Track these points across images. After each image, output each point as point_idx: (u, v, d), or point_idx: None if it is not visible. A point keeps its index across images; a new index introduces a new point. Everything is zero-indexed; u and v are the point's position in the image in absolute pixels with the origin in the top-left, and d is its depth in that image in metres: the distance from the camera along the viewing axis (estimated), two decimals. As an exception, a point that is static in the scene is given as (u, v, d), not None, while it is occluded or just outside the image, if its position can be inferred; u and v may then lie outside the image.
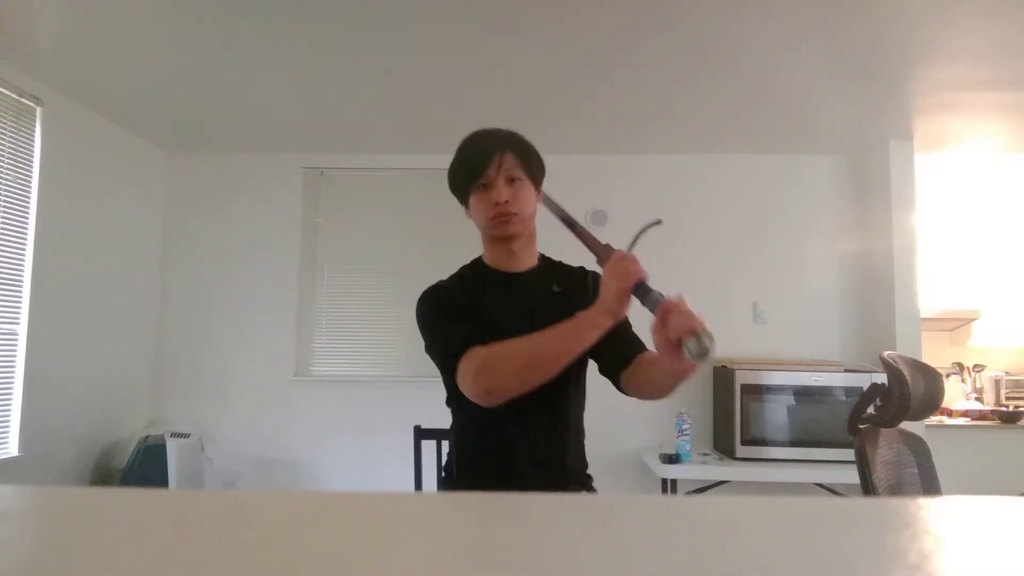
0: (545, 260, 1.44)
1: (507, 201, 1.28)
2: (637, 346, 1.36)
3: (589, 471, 1.45)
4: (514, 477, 1.31)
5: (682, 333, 1.05)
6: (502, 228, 1.31)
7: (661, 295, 1.11)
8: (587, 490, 1.44)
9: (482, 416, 1.26)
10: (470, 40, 2.52)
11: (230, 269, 3.83)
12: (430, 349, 1.34)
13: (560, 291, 1.37)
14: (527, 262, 1.39)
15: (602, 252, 1.21)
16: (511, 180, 1.29)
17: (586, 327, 1.14)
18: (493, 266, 1.39)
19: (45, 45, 2.60)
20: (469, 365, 1.20)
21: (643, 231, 1.23)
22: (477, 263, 1.44)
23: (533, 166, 1.33)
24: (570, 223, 1.25)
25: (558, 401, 1.34)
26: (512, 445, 1.32)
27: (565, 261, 1.47)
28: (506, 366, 1.18)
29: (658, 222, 1.19)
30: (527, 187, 1.31)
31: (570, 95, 3.01)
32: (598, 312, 1.14)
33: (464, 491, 1.36)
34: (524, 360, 1.17)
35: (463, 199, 1.36)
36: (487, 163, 1.28)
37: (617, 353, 1.33)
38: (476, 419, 1.32)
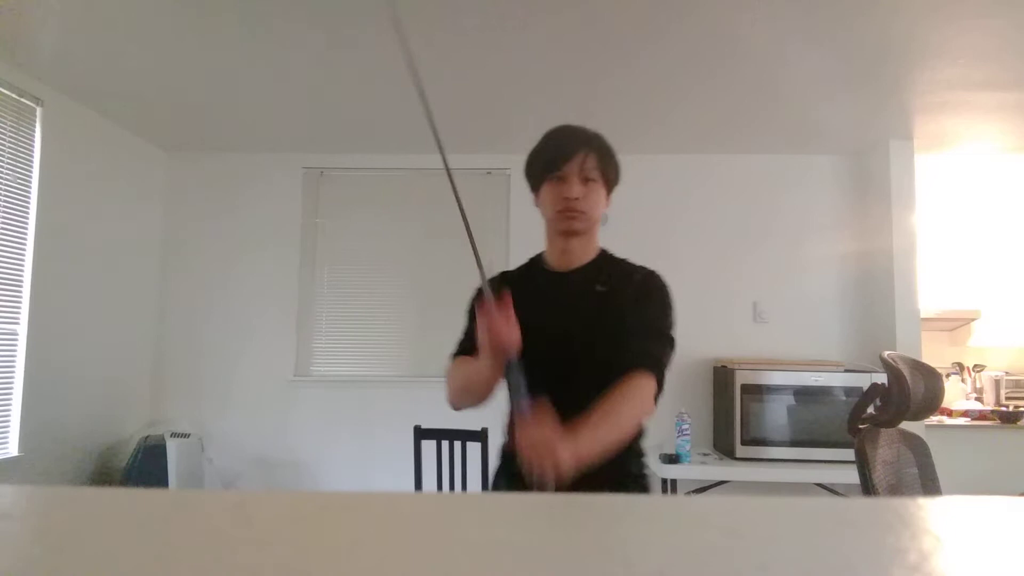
0: (602, 257, 1.41)
1: (578, 199, 1.30)
2: (628, 359, 1.28)
3: (637, 468, 1.39)
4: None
5: (524, 457, 1.07)
6: (568, 223, 1.33)
7: (525, 398, 1.12)
8: (626, 487, 1.37)
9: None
10: (470, 40, 2.52)
11: (230, 269, 3.83)
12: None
13: (604, 290, 1.35)
14: (579, 259, 1.38)
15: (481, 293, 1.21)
16: (586, 180, 1.32)
17: (478, 368, 1.21)
18: (547, 261, 1.42)
19: (45, 45, 2.60)
20: (446, 373, 1.34)
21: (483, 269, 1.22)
22: (535, 258, 1.47)
23: (611, 171, 1.35)
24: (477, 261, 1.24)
25: (580, 399, 1.27)
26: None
27: (629, 259, 1.43)
28: (449, 385, 1.32)
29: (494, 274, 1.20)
30: (600, 190, 1.34)
31: (570, 95, 3.01)
32: (486, 360, 1.19)
33: (505, 484, 1.35)
34: (458, 383, 1.30)
35: (536, 185, 1.38)
36: (569, 157, 1.31)
37: (613, 369, 1.29)
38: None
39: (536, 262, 1.45)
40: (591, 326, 1.31)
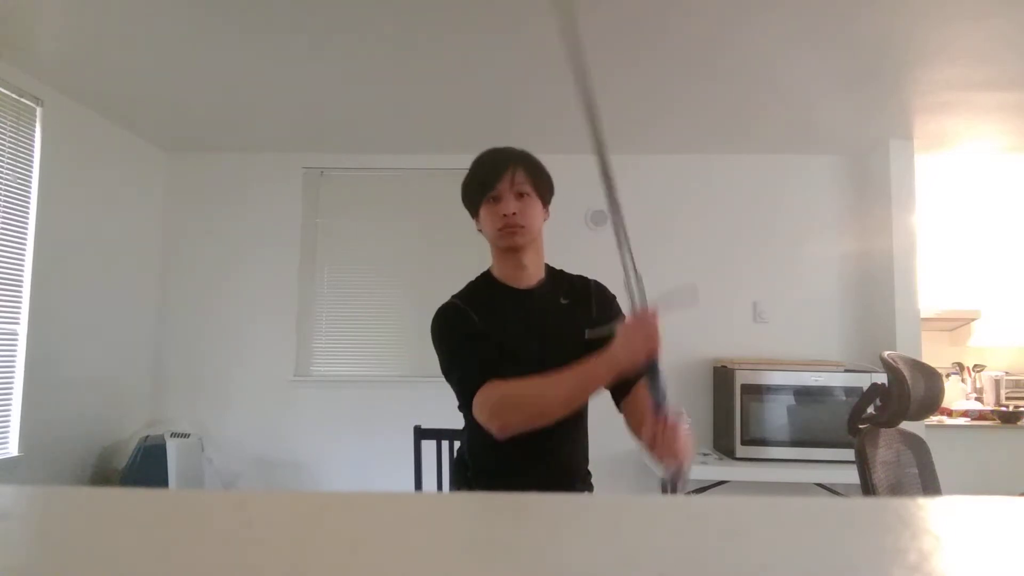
0: (550, 272, 1.49)
1: (515, 214, 1.35)
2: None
3: (590, 469, 1.50)
4: (521, 475, 1.36)
5: (666, 453, 1.11)
6: (509, 239, 1.37)
7: (665, 394, 1.14)
8: (587, 488, 1.49)
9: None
10: (469, 40, 2.52)
11: (230, 269, 3.83)
12: (447, 374, 1.39)
13: (567, 303, 1.43)
14: (535, 275, 1.44)
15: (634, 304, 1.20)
16: (520, 195, 1.37)
17: (591, 380, 1.20)
18: (503, 280, 1.44)
19: (45, 45, 2.60)
20: (485, 402, 1.27)
21: (674, 296, 1.21)
22: (487, 277, 1.48)
23: (542, 184, 1.41)
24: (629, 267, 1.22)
25: (574, 415, 1.37)
26: (520, 446, 1.33)
27: (565, 270, 1.53)
28: (518, 412, 1.25)
29: (693, 295, 1.20)
30: (535, 203, 1.39)
31: (569, 95, 3.00)
32: (607, 367, 1.17)
33: (476, 488, 1.41)
34: (535, 408, 1.25)
35: (474, 212, 1.43)
36: (499, 177, 1.36)
37: (622, 382, 1.33)
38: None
39: (491, 281, 1.47)
40: (563, 340, 1.37)
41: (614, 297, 1.47)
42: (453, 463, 1.61)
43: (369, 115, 3.30)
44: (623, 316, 1.40)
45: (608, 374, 1.18)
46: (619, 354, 1.16)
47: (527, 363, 1.30)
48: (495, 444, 1.35)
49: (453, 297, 1.45)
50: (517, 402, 1.25)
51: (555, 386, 1.22)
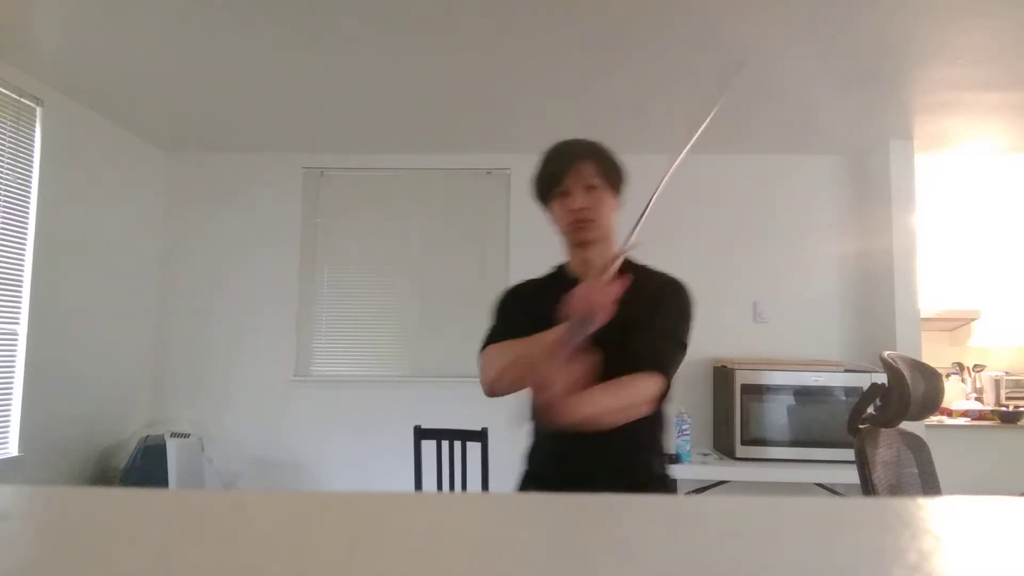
0: (624, 264, 1.38)
1: (584, 208, 1.33)
2: (636, 363, 1.29)
3: (658, 470, 1.41)
4: (571, 475, 1.33)
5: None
6: (580, 233, 1.36)
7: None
8: (645, 488, 1.39)
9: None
10: (469, 40, 2.52)
11: (230, 269, 3.83)
12: None
13: (623, 298, 1.33)
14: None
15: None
16: (589, 188, 1.34)
17: (549, 346, 1.18)
18: (571, 271, 1.43)
19: (45, 45, 2.60)
20: (480, 361, 1.33)
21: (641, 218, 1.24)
22: (560, 266, 1.48)
23: (612, 174, 1.37)
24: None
25: None
26: (567, 442, 1.32)
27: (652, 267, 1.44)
28: (494, 364, 1.30)
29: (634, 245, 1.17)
30: (606, 194, 1.36)
31: (569, 94, 3.01)
32: (560, 334, 1.16)
33: (527, 486, 1.37)
34: (504, 362, 1.28)
35: (545, 206, 1.41)
36: (566, 171, 1.34)
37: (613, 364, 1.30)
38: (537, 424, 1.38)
39: (561, 270, 1.47)
40: (608, 335, 1.29)
41: (677, 292, 1.38)
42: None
43: (369, 115, 3.30)
44: (667, 309, 1.35)
45: (560, 338, 1.16)
46: (571, 315, 1.15)
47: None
48: (538, 443, 1.39)
49: (524, 281, 1.48)
50: (495, 353, 1.30)
51: (526, 344, 1.25)
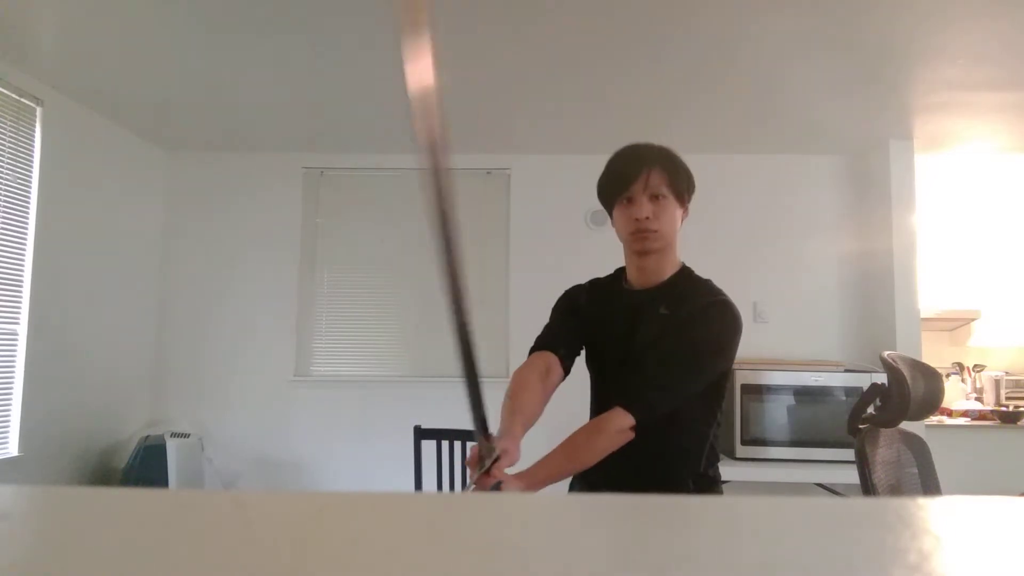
0: (679, 276, 1.41)
1: (648, 218, 1.30)
2: (623, 397, 1.29)
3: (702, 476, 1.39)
4: (612, 478, 1.32)
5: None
6: (641, 244, 1.34)
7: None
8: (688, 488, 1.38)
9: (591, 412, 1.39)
10: (470, 40, 2.52)
11: (230, 269, 3.83)
12: None
13: (667, 313, 1.34)
14: (655, 278, 1.38)
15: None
16: (655, 197, 1.31)
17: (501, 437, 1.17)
18: (627, 277, 1.44)
19: (45, 45, 2.60)
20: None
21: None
22: (618, 271, 1.49)
23: (680, 184, 1.34)
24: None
25: (666, 423, 1.30)
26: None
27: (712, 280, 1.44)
28: (514, 379, 1.34)
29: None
30: (671, 205, 1.33)
31: (571, 96, 3.01)
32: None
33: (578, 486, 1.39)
34: (509, 392, 1.30)
35: (609, 210, 1.40)
36: (634, 179, 1.31)
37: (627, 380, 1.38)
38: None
39: (616, 275, 1.49)
40: (645, 349, 1.31)
41: (706, 311, 1.35)
42: None
43: (369, 115, 3.30)
44: (687, 328, 1.32)
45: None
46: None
47: (607, 359, 1.37)
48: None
49: (588, 281, 1.51)
50: (508, 391, 1.30)
51: (508, 401, 1.26)
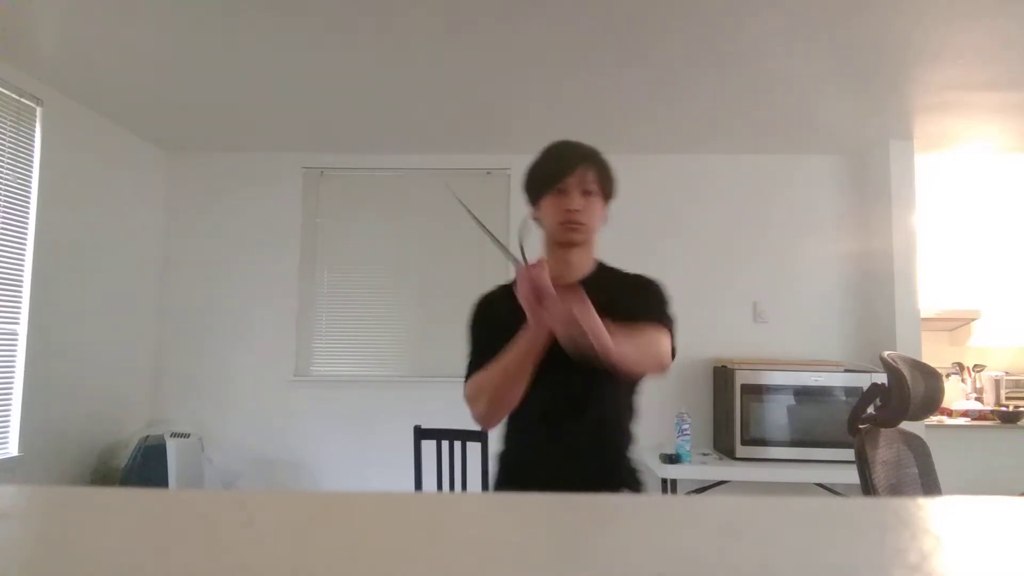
0: (600, 267, 1.45)
1: (579, 210, 1.34)
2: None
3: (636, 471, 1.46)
4: (550, 474, 1.33)
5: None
6: (569, 235, 1.36)
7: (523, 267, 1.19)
8: (627, 485, 1.43)
9: (516, 415, 1.33)
10: (469, 40, 2.52)
11: (230, 269, 3.83)
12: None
13: (604, 300, 1.34)
14: (579, 272, 1.41)
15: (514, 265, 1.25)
16: (586, 193, 1.36)
17: (523, 343, 1.22)
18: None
19: (45, 45, 2.60)
20: (466, 396, 1.32)
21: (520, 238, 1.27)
22: None
23: (609, 186, 1.40)
24: (487, 232, 1.29)
25: (590, 404, 1.35)
26: (545, 443, 1.36)
27: (623, 269, 1.47)
28: (483, 395, 1.29)
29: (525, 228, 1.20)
30: (599, 203, 1.38)
31: (569, 95, 3.01)
32: (528, 331, 1.21)
33: (503, 481, 1.38)
34: (491, 387, 1.27)
35: (535, 199, 1.42)
36: (568, 172, 1.35)
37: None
38: (512, 419, 1.38)
39: None
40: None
41: (654, 294, 1.40)
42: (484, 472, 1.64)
43: (369, 115, 3.30)
44: (647, 309, 1.36)
45: (533, 332, 1.21)
46: (537, 330, 1.18)
47: (554, 357, 1.30)
48: (513, 437, 1.39)
49: (495, 288, 1.47)
50: (480, 385, 1.29)
51: (499, 362, 1.25)
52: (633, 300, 1.37)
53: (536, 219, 1.43)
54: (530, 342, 1.21)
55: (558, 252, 1.40)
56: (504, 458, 1.43)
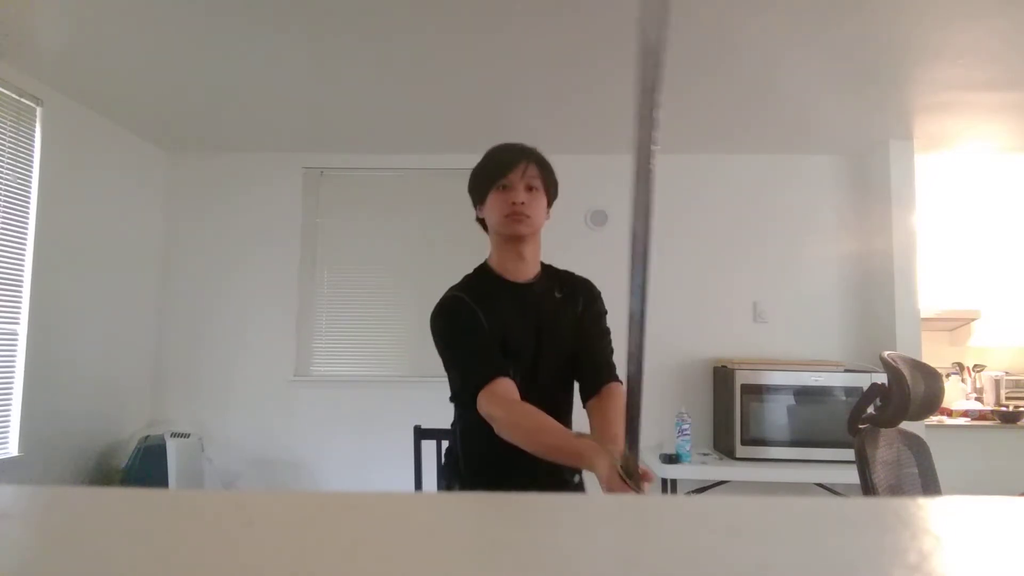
0: (546, 268, 1.54)
1: (524, 203, 1.40)
2: (605, 374, 1.46)
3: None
4: (514, 465, 1.38)
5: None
6: (514, 226, 1.41)
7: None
8: (580, 484, 1.54)
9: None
10: (469, 40, 2.52)
11: (230, 269, 3.83)
12: (448, 366, 1.43)
13: (560, 297, 1.50)
14: (532, 269, 1.48)
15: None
16: (530, 188, 1.42)
17: (568, 455, 1.24)
18: (500, 273, 1.47)
19: (45, 45, 2.60)
20: (497, 403, 1.30)
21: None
22: (485, 270, 1.51)
23: (550, 183, 1.47)
24: None
25: (559, 407, 1.45)
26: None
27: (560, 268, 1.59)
28: (515, 431, 1.29)
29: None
30: (542, 198, 1.45)
31: (569, 95, 3.01)
32: (576, 459, 1.21)
33: (469, 486, 1.44)
34: (525, 438, 1.28)
35: (480, 198, 1.47)
36: (512, 167, 1.41)
37: (587, 381, 1.47)
38: (481, 419, 1.38)
39: (489, 273, 1.50)
40: (557, 333, 1.45)
41: (599, 294, 1.56)
42: (444, 457, 1.66)
43: (369, 115, 3.30)
44: (603, 312, 1.51)
45: (574, 463, 1.28)
46: (599, 470, 1.14)
47: (525, 355, 1.40)
48: (489, 434, 1.38)
49: (452, 289, 1.47)
50: (517, 423, 1.28)
51: (549, 434, 1.26)
52: (593, 306, 1.50)
53: (480, 219, 1.49)
54: (574, 459, 1.23)
55: (510, 249, 1.46)
56: (465, 445, 1.50)
